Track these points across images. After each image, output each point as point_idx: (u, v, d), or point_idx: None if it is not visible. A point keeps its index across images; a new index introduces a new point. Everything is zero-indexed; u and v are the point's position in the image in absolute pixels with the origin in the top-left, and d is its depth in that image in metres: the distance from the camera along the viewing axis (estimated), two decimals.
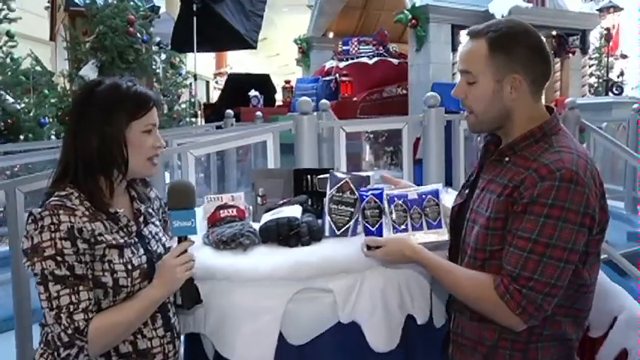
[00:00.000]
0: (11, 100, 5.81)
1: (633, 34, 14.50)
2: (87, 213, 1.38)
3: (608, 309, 1.89)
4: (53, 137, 6.26)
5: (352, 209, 1.79)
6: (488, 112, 1.48)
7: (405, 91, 9.42)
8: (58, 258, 1.31)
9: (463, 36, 8.32)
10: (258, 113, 7.38)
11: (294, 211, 1.86)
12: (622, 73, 15.58)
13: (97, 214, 1.41)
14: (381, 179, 1.94)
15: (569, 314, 1.43)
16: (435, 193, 1.72)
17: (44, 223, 1.32)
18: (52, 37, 11.80)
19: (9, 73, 6.07)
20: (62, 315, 1.31)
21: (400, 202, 1.69)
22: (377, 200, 1.68)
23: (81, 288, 1.33)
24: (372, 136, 7.15)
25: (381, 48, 10.25)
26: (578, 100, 5.27)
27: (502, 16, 7.62)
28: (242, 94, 9.72)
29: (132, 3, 7.92)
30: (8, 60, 6.17)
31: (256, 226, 1.85)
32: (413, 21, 8.69)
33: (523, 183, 1.36)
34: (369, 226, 1.66)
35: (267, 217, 1.86)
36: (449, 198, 1.75)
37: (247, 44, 10.55)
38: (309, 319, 1.64)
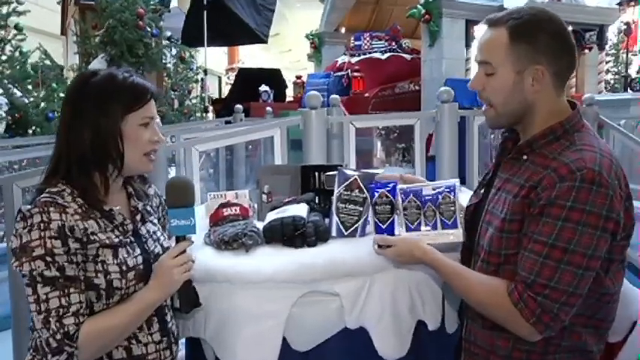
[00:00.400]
0: (19, 93, 5.79)
1: None
2: (79, 211, 1.32)
3: (627, 313, 1.81)
4: None
5: (361, 208, 1.76)
6: (507, 104, 1.39)
7: (417, 87, 9.35)
8: (48, 258, 1.24)
9: (477, 31, 8.24)
10: (268, 108, 7.41)
11: (300, 209, 1.81)
12: None
13: (91, 211, 1.35)
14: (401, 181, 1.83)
15: (590, 324, 1.35)
16: (452, 189, 1.61)
17: (33, 221, 1.26)
18: (64, 32, 11.84)
19: (17, 67, 6.04)
20: (51, 319, 1.24)
21: (414, 198, 1.61)
22: (389, 195, 1.60)
23: (72, 290, 1.26)
24: (383, 132, 7.09)
25: (393, 43, 10.28)
26: (596, 97, 5.15)
27: None
28: (252, 89, 9.78)
29: None
30: (17, 53, 6.15)
31: (260, 225, 1.80)
32: (426, 16, 8.62)
33: (541, 183, 1.28)
34: (379, 223, 1.61)
35: (271, 216, 1.82)
36: (462, 197, 1.67)
37: (258, 38, 10.59)
38: (314, 324, 1.60)
